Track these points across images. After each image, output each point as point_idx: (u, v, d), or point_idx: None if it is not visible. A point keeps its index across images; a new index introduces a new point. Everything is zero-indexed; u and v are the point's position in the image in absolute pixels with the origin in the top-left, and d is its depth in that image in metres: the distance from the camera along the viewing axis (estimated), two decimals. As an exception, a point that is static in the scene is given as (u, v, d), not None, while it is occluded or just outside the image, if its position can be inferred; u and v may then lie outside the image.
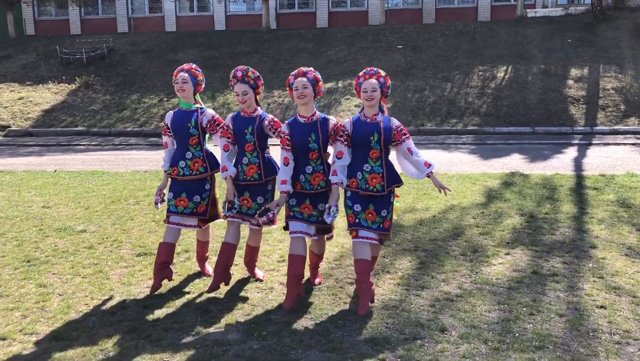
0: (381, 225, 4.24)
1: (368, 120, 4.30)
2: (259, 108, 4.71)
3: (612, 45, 19.57)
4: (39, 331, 3.95)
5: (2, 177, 10.25)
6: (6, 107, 19.52)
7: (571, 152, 12.63)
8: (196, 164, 4.70)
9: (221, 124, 4.75)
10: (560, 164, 10.88)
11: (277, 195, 4.54)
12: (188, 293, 4.64)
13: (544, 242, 5.72)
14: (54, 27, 29.87)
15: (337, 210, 4.25)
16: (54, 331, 3.94)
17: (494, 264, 5.09)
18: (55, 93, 20.44)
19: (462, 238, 5.86)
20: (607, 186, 8.33)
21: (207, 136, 4.83)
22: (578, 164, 11.09)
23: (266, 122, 4.60)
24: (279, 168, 4.56)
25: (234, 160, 4.70)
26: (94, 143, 16.10)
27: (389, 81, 4.42)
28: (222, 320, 4.07)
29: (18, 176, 10.41)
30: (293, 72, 4.52)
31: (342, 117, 16.82)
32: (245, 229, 4.96)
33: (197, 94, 4.89)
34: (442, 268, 4.94)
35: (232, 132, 4.63)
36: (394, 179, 4.33)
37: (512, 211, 6.96)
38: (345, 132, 4.30)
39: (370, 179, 4.24)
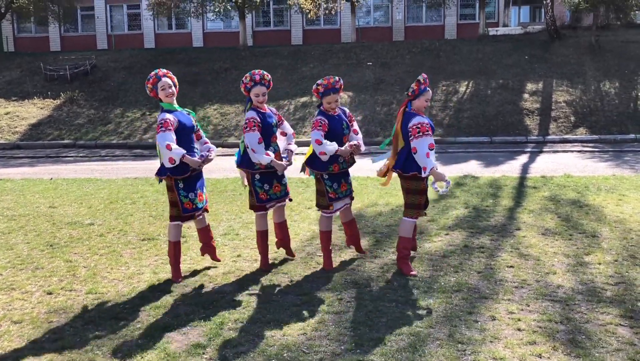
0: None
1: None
2: (266, 107, 5.51)
3: (565, 62, 21.22)
4: (75, 289, 5.08)
5: (4, 185, 11.22)
6: (-6, 121, 20.35)
7: (522, 158, 14.03)
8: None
9: (253, 120, 5.21)
10: (510, 168, 12.24)
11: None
12: (192, 263, 5.78)
13: (478, 226, 6.99)
14: (34, 44, 30.72)
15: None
16: (88, 288, 5.06)
17: (435, 241, 6.33)
18: (41, 108, 21.33)
19: (412, 224, 7.10)
20: (545, 185, 9.66)
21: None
22: (525, 168, 12.47)
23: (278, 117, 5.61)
24: None
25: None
26: (81, 155, 17.06)
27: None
28: (218, 280, 5.24)
29: (18, 183, 11.39)
30: (323, 83, 5.38)
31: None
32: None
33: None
34: (392, 245, 6.15)
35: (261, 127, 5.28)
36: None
37: (458, 205, 8.22)
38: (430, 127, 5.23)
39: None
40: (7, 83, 23.50)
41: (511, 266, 5.41)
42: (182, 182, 5.12)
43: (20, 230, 7.29)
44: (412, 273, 5.27)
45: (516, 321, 4.16)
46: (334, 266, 5.53)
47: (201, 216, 5.49)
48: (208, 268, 5.63)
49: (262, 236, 5.58)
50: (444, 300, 4.56)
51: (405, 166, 5.24)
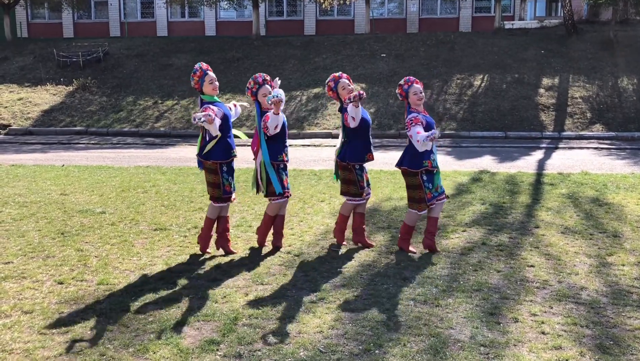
0: (443, 190, 5.81)
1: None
2: None
3: (582, 57, 20.90)
4: (86, 279, 4.98)
5: (16, 170, 11.17)
6: (6, 107, 20.34)
7: (538, 154, 13.82)
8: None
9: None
10: (525, 164, 12.05)
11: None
12: (204, 255, 5.68)
13: (496, 223, 6.83)
14: (47, 30, 30.70)
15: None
16: (99, 279, 4.97)
17: (452, 238, 6.19)
18: (54, 94, 21.30)
19: (428, 219, 6.96)
20: (562, 182, 9.48)
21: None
22: (541, 164, 12.27)
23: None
24: None
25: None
26: (92, 142, 17.01)
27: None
28: (232, 272, 5.13)
29: (30, 169, 11.35)
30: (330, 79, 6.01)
31: (328, 120, 17.93)
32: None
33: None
34: (412, 241, 6.01)
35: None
36: None
37: (475, 201, 8.06)
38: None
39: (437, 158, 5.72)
40: (20, 69, 23.49)
41: (532, 266, 5.26)
42: (227, 166, 5.63)
43: (31, 217, 7.22)
44: (411, 249, 5.74)
45: (540, 324, 4.02)
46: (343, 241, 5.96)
47: (228, 203, 5.82)
48: (221, 260, 5.52)
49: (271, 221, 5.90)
50: (463, 300, 4.43)
51: (399, 161, 5.69)
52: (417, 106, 5.62)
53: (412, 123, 5.44)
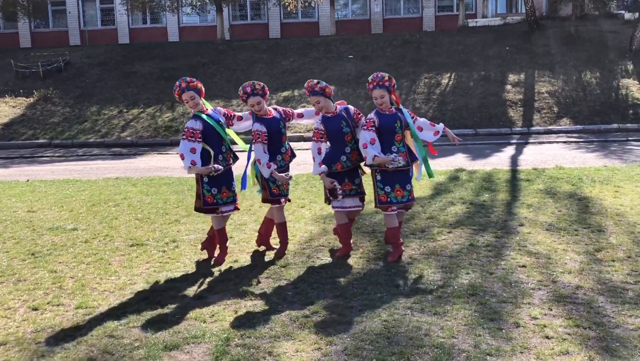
0: (409, 197, 5.44)
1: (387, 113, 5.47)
2: (270, 109, 5.65)
3: (545, 52, 21.20)
4: (63, 303, 4.69)
5: (-23, 188, 10.68)
6: (-36, 121, 19.61)
7: (509, 150, 13.90)
8: (228, 156, 5.60)
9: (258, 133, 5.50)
10: (499, 161, 12.09)
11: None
12: (186, 271, 5.44)
13: (480, 223, 6.76)
14: (3, 40, 29.74)
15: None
16: (77, 302, 4.68)
17: (439, 240, 6.09)
18: (13, 107, 20.62)
19: (412, 222, 6.84)
20: (538, 178, 9.50)
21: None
22: (514, 160, 12.34)
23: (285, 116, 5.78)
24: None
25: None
26: (57, 155, 16.48)
27: (393, 80, 5.53)
28: (217, 288, 4.91)
29: (-8, 186, 10.87)
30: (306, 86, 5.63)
31: (299, 123, 17.78)
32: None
33: (202, 98, 5.63)
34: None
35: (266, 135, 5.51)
36: (413, 156, 5.55)
37: (455, 200, 7.99)
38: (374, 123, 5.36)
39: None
40: (-24, 81, 22.70)
41: (523, 266, 5.18)
42: (207, 176, 5.43)
43: (-2, 238, 6.86)
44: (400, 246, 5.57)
45: (542, 328, 3.92)
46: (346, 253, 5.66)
47: (223, 215, 5.63)
48: (204, 275, 5.29)
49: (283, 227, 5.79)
50: (461, 306, 4.31)
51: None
52: (381, 107, 5.49)
53: (364, 127, 5.38)
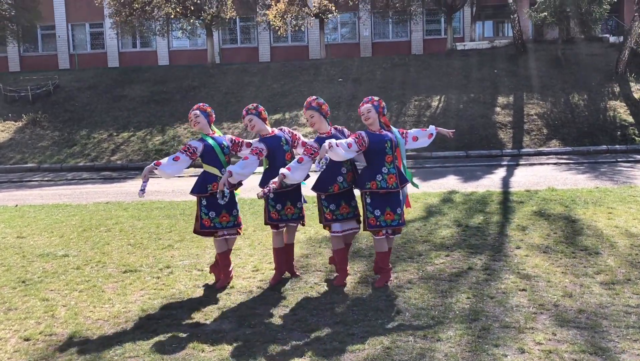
0: (400, 221, 5.30)
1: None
2: (274, 130, 5.67)
3: (533, 75, 21.45)
4: (56, 333, 4.57)
5: (-35, 213, 10.51)
6: (-49, 145, 19.41)
7: (500, 172, 13.96)
8: None
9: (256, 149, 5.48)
10: (491, 183, 12.11)
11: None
12: (182, 298, 5.33)
13: (477, 245, 6.72)
14: (-9, 64, 29.67)
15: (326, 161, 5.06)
16: (70, 332, 4.56)
17: (437, 264, 6.03)
18: (1, 131, 20.47)
19: (408, 245, 6.79)
20: (531, 199, 9.51)
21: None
22: (506, 182, 12.37)
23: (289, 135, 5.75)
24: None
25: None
26: (46, 179, 16.32)
27: (383, 103, 5.49)
28: (214, 315, 4.81)
29: (-20, 211, 10.70)
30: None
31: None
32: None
33: (212, 124, 5.73)
34: (394, 269, 5.82)
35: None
36: (403, 178, 5.42)
37: (450, 223, 7.96)
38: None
39: (388, 179, 5.24)
40: (-36, 105, 22.53)
41: (523, 290, 5.14)
42: (205, 200, 5.45)
43: (-13, 265, 6.71)
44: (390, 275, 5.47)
45: (548, 354, 3.86)
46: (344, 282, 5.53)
47: (224, 237, 5.60)
48: (200, 302, 5.19)
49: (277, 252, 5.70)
50: (464, 331, 4.24)
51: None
52: (370, 126, 5.42)
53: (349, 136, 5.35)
